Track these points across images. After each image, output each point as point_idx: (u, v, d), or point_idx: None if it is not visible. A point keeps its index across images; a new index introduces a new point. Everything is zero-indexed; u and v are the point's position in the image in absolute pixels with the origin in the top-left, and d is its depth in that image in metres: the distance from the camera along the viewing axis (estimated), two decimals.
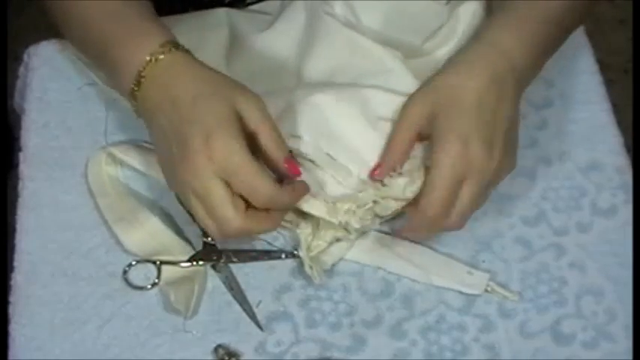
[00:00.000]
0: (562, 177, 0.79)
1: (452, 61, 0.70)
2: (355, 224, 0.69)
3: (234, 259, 0.73)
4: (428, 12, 0.81)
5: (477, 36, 0.72)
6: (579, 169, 0.79)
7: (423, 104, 0.68)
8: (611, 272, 0.74)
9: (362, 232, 0.73)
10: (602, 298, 0.73)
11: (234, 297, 0.72)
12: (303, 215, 0.72)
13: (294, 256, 0.73)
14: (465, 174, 0.65)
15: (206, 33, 0.81)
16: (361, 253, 0.74)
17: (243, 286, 0.73)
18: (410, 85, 0.73)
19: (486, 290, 0.73)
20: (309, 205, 0.70)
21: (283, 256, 0.74)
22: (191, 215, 0.69)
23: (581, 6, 0.74)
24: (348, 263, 0.74)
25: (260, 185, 0.62)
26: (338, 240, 0.72)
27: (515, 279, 0.74)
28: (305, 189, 0.68)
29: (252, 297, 0.72)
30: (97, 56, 0.72)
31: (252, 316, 0.71)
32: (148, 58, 0.65)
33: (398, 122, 0.69)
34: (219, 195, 0.62)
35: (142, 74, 0.65)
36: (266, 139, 0.65)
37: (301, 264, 0.73)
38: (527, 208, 0.77)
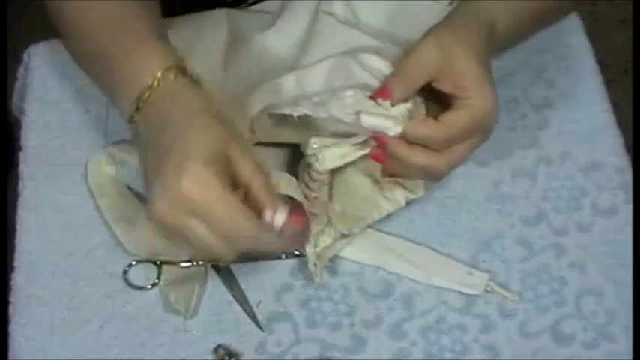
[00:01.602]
0: (562, 177, 0.79)
1: (445, 16, 0.69)
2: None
3: (235, 260, 0.73)
4: (429, 12, 0.81)
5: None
6: (579, 169, 0.79)
7: (436, 48, 0.65)
8: (611, 272, 0.74)
9: (365, 228, 0.73)
10: (602, 298, 0.73)
11: (235, 297, 0.72)
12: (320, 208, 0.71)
13: (294, 256, 0.73)
14: (481, 128, 0.64)
15: (206, 33, 0.81)
16: (361, 253, 0.74)
17: (243, 286, 0.73)
18: (383, 65, 0.71)
19: (486, 290, 0.73)
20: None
21: (283, 256, 0.74)
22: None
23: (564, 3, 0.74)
24: (348, 263, 0.74)
25: (241, 222, 0.56)
26: (344, 236, 0.72)
27: (515, 279, 0.74)
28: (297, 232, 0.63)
29: (252, 297, 0.72)
30: (94, 73, 0.68)
31: (253, 316, 0.71)
32: (150, 83, 0.61)
33: (412, 61, 0.65)
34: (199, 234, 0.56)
35: (142, 99, 0.61)
36: (259, 193, 0.59)
37: (302, 264, 0.73)
38: (528, 208, 0.77)
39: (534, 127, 0.81)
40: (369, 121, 0.63)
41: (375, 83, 0.69)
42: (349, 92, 0.66)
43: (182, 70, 0.63)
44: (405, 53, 0.66)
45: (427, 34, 0.66)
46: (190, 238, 0.57)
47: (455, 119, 0.63)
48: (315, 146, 0.67)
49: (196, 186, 0.55)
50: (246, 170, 0.58)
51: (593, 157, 0.80)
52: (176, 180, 0.55)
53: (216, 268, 0.73)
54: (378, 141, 0.64)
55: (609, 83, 0.84)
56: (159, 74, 0.61)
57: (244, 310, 0.72)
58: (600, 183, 0.79)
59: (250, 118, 0.73)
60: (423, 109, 0.67)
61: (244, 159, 0.58)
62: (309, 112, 0.66)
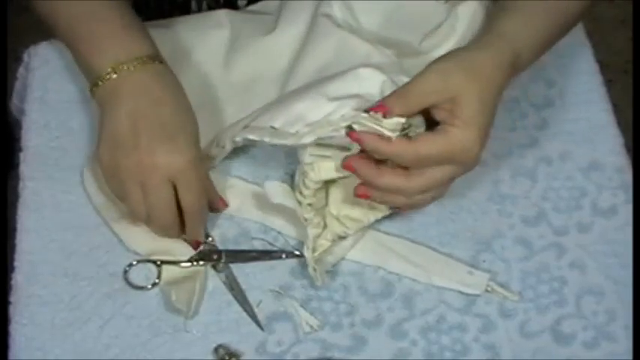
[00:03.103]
0: (562, 177, 0.79)
1: (465, 47, 0.69)
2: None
3: (235, 260, 0.74)
4: (426, 10, 0.81)
5: (486, 27, 0.72)
6: (580, 169, 0.79)
7: (443, 78, 0.65)
8: (611, 272, 0.75)
9: (362, 228, 0.73)
10: (603, 298, 0.73)
11: (235, 297, 0.72)
12: (320, 212, 0.72)
13: (294, 255, 0.73)
14: (455, 159, 0.64)
15: (206, 34, 0.81)
16: (361, 252, 0.74)
17: (243, 286, 0.73)
18: (376, 78, 0.70)
19: (486, 290, 0.73)
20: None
21: (284, 256, 0.74)
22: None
23: (581, 6, 0.74)
24: (348, 263, 0.74)
25: (203, 196, 0.71)
26: (341, 237, 0.72)
27: (515, 279, 0.74)
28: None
29: (252, 297, 0.72)
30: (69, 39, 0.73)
31: (253, 316, 0.71)
32: (140, 55, 0.69)
33: (415, 87, 0.65)
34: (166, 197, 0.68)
35: (128, 65, 0.68)
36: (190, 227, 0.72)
37: (302, 264, 0.73)
38: (528, 208, 0.77)
39: (534, 127, 0.81)
40: (363, 121, 0.64)
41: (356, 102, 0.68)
42: (343, 111, 0.66)
43: (164, 62, 0.71)
44: (413, 78, 0.66)
45: (438, 61, 0.66)
46: (155, 199, 0.68)
47: (429, 141, 0.64)
48: (311, 156, 0.69)
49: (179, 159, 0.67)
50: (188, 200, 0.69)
51: (593, 157, 0.80)
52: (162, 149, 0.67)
53: (217, 268, 0.73)
54: (352, 137, 0.65)
55: (609, 83, 0.85)
56: (142, 54, 0.69)
57: (245, 310, 0.72)
58: (600, 183, 0.79)
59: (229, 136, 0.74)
60: (422, 129, 0.66)
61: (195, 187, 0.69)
62: (289, 144, 0.68)
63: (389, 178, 0.65)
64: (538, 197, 0.78)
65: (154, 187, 0.67)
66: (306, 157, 0.69)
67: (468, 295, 0.73)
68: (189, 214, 0.70)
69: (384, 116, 0.63)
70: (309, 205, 0.70)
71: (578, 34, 0.86)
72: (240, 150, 0.78)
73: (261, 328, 0.71)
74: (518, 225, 0.77)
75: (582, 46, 0.86)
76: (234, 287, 0.73)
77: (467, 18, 0.79)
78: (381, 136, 0.63)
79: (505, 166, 0.79)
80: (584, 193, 0.78)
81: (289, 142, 0.68)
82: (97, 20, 0.71)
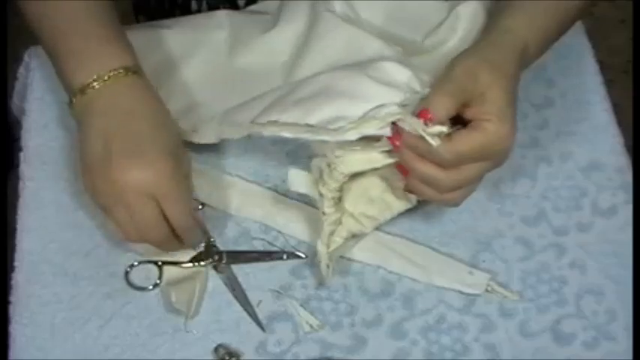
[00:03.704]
0: (562, 177, 0.79)
1: (478, 44, 0.69)
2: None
3: (236, 260, 0.73)
4: (428, 9, 0.81)
5: (491, 24, 0.72)
6: (580, 169, 0.79)
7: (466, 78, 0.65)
8: (611, 272, 0.74)
9: (377, 225, 0.73)
10: (603, 298, 0.73)
11: (235, 297, 0.72)
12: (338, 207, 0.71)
13: (295, 256, 0.73)
14: (491, 154, 0.65)
15: (207, 34, 0.81)
16: (361, 252, 0.74)
17: (244, 286, 0.73)
18: (403, 73, 0.70)
19: (487, 290, 0.73)
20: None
21: (285, 256, 0.74)
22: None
23: (580, 4, 0.74)
24: (349, 263, 0.74)
25: (189, 212, 0.69)
26: (355, 236, 0.72)
27: (515, 279, 0.74)
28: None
29: (252, 297, 0.72)
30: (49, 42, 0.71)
31: (254, 316, 0.72)
32: (116, 67, 0.67)
33: (443, 86, 0.65)
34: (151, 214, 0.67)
35: (105, 79, 0.67)
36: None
37: (302, 264, 0.73)
38: (528, 208, 0.77)
39: (534, 127, 0.81)
40: (410, 122, 0.64)
41: (396, 95, 0.67)
42: (387, 109, 0.66)
43: (132, 70, 0.69)
44: (442, 75, 0.66)
45: (461, 60, 0.66)
46: (138, 216, 0.66)
47: (467, 138, 0.64)
48: (340, 149, 0.68)
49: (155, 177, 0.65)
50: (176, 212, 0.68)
51: (593, 157, 0.80)
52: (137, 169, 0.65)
53: (217, 269, 0.73)
54: (394, 136, 0.65)
55: (609, 83, 0.85)
56: (115, 67, 0.67)
57: (246, 310, 0.72)
58: (600, 183, 0.79)
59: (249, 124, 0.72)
60: (448, 130, 0.66)
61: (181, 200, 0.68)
62: (332, 139, 0.67)
63: (428, 167, 0.65)
64: (538, 197, 0.78)
65: (135, 206, 0.66)
66: (336, 150, 0.68)
67: (468, 295, 0.73)
68: (178, 228, 0.69)
69: (427, 123, 0.63)
70: (332, 198, 0.70)
71: (579, 34, 0.86)
72: (240, 150, 0.78)
73: (263, 329, 0.71)
74: (518, 225, 0.77)
75: (582, 46, 0.86)
76: (235, 288, 0.73)
77: (468, 17, 0.79)
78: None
79: (505, 166, 0.78)
80: (584, 193, 0.78)
81: (331, 137, 0.67)
82: (72, 34, 0.69)
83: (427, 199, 0.69)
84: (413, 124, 0.63)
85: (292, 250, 0.74)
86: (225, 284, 0.73)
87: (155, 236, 0.68)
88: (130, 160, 0.65)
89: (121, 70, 0.68)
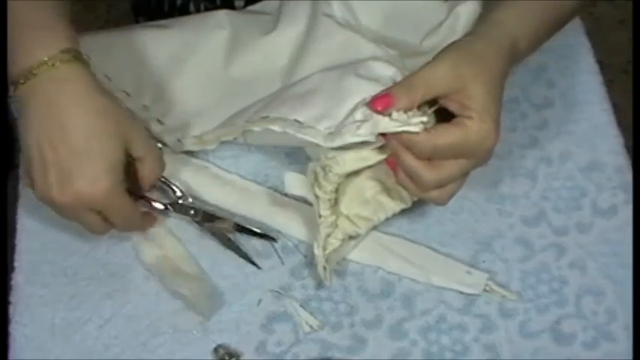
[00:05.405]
0: (562, 177, 0.79)
1: (467, 37, 0.69)
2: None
3: (211, 220, 0.74)
4: (426, 10, 0.81)
5: (482, 17, 0.72)
6: (579, 169, 0.79)
7: (451, 69, 0.65)
8: (611, 272, 0.74)
9: (371, 228, 0.73)
10: (603, 298, 0.73)
11: (229, 247, 0.74)
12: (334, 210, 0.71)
13: (269, 237, 0.74)
14: (471, 151, 0.64)
15: (206, 34, 0.81)
16: (361, 252, 0.74)
17: (243, 287, 0.73)
18: (388, 70, 0.71)
19: (485, 290, 0.73)
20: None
21: (257, 237, 0.75)
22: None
23: (575, 2, 0.74)
24: (348, 263, 0.74)
25: (134, 216, 0.70)
26: (351, 237, 0.72)
27: (515, 279, 0.74)
28: (152, 221, 0.74)
29: (252, 297, 0.72)
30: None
31: (247, 258, 0.73)
32: (45, 59, 0.64)
33: (422, 77, 0.65)
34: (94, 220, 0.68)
35: (34, 72, 0.64)
36: (147, 169, 0.70)
37: (302, 264, 0.73)
38: (528, 208, 0.77)
39: (534, 127, 0.81)
40: (390, 127, 0.64)
41: (379, 88, 0.67)
42: (358, 114, 0.66)
43: (77, 56, 0.65)
44: (424, 64, 0.65)
45: (445, 52, 0.66)
46: (85, 223, 0.68)
47: (446, 133, 0.64)
48: (333, 150, 0.68)
49: (107, 196, 0.65)
50: (139, 148, 0.67)
51: (593, 157, 0.80)
52: (91, 189, 0.64)
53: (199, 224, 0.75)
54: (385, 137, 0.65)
55: (609, 83, 0.85)
56: (57, 54, 0.64)
57: (240, 256, 0.74)
58: (600, 183, 0.79)
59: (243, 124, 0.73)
60: (432, 122, 0.66)
61: (139, 140, 0.67)
62: (323, 144, 0.67)
63: (411, 160, 0.65)
64: (538, 197, 0.78)
65: (78, 217, 0.67)
66: (329, 152, 0.68)
67: (467, 295, 0.73)
68: (122, 230, 0.71)
69: (390, 106, 0.63)
70: (329, 200, 0.70)
71: (578, 34, 0.86)
72: (240, 150, 0.78)
73: (258, 267, 0.73)
74: (518, 225, 0.77)
75: (582, 46, 0.86)
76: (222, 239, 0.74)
77: (467, 18, 0.79)
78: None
79: (505, 166, 0.79)
80: (584, 193, 0.78)
81: (320, 141, 0.67)
82: (11, 24, 0.65)
83: (416, 197, 0.70)
84: (394, 126, 0.64)
85: (294, 247, 0.74)
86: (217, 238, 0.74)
87: (112, 229, 0.70)
88: (65, 181, 0.64)
89: (54, 62, 0.64)
